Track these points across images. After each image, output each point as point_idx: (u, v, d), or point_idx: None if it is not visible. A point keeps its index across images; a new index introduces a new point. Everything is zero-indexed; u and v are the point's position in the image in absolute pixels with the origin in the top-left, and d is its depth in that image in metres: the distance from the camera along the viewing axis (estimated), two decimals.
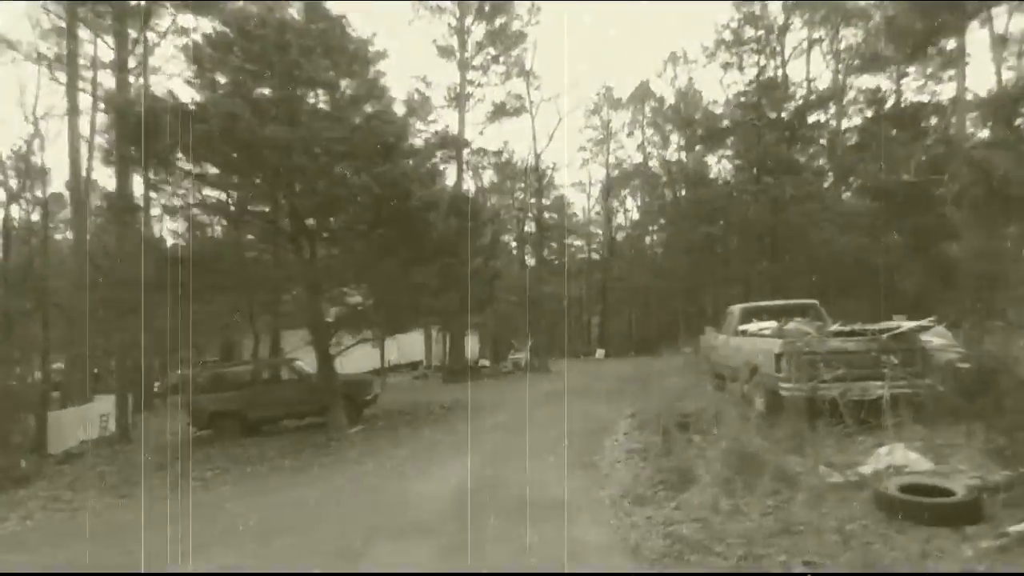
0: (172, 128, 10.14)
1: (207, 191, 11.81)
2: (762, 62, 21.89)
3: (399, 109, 13.42)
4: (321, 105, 12.12)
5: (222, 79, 11.21)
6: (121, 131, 10.22)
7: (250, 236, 12.73)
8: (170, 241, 13.05)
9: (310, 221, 12.31)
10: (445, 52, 28.87)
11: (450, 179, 28.19)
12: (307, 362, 15.34)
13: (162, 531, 6.94)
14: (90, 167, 18.31)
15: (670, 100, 41.35)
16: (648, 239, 49.19)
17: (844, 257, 17.43)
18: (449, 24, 29.33)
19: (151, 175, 11.48)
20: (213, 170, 11.28)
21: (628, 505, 6.69)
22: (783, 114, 20.78)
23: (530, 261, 37.31)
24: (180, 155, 10.83)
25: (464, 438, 11.38)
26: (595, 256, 49.92)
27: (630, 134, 46.78)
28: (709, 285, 20.49)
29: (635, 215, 48.72)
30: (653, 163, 43.98)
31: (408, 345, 33.08)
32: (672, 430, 8.65)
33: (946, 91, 23.19)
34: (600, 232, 49.76)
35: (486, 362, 30.83)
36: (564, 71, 71.19)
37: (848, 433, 8.40)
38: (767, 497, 6.26)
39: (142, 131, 9.34)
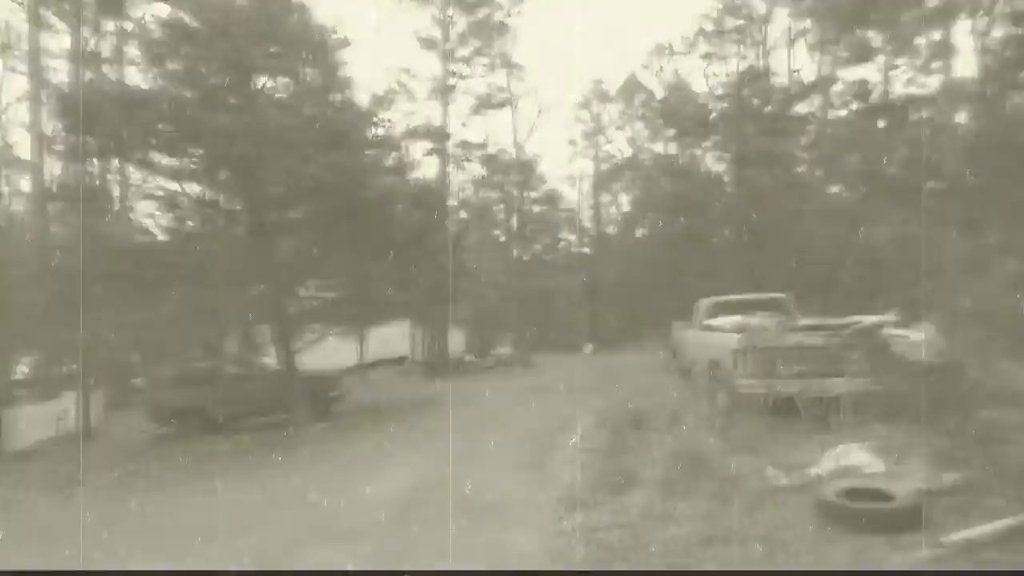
0: (117, 116, 9.81)
1: (162, 182, 11.45)
2: (744, 52, 21.62)
3: (365, 100, 13.05)
4: (280, 94, 11.81)
5: (173, 66, 10.85)
6: (64, 119, 9.88)
7: (206, 229, 12.37)
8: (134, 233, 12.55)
9: (269, 214, 12.00)
10: (428, 43, 28.48)
11: (431, 172, 28.01)
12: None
13: (90, 533, 6.67)
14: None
15: (660, 93, 41.17)
16: (638, 233, 48.86)
17: (827, 250, 17.13)
18: (432, 16, 29.01)
19: (102, 166, 11.15)
20: (165, 160, 10.94)
21: (564, 510, 6.40)
22: (768, 106, 20.42)
23: (523, 255, 37.05)
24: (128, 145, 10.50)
25: (424, 436, 11.11)
26: (586, 251, 49.62)
27: (620, 127, 46.48)
28: (690, 279, 20.16)
29: (627, 209, 48.30)
30: (644, 156, 43.64)
31: (393, 339, 32.76)
32: (624, 429, 8.37)
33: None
34: (590, 226, 49.43)
35: (471, 357, 30.50)
36: (551, 63, 70.44)
37: (807, 432, 8.14)
38: (706, 501, 5.99)
39: (79, 119, 8.99)
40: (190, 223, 11.73)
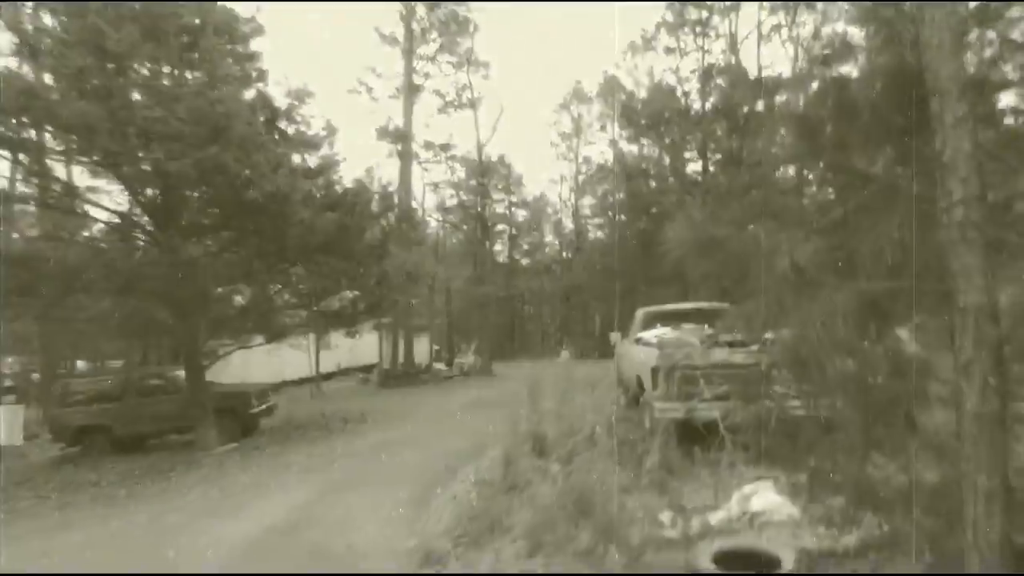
0: None
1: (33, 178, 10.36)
2: (707, 46, 20.59)
3: (281, 95, 11.93)
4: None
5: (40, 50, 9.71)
6: None
7: (97, 233, 11.30)
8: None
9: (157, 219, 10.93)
10: (389, 40, 27.48)
11: (391, 173, 26.99)
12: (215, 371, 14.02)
13: None
14: None
15: (640, 93, 40.30)
16: (615, 236, 47.93)
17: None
18: (400, 12, 27.96)
19: None
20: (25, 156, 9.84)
21: (417, 562, 5.37)
22: (742, 104, 19.46)
23: (495, 260, 36.00)
24: None
25: (326, 461, 10.07)
26: (567, 255, 48.64)
27: (602, 128, 45.61)
28: (644, 285, 19.15)
29: (601, 211, 47.45)
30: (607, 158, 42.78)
31: (364, 347, 31.69)
32: (517, 459, 7.33)
33: None
34: (571, 227, 48.49)
35: (441, 365, 29.40)
36: (517, 61, 69.61)
37: (730, 463, 7.13)
38: (574, 559, 4.96)
39: None
40: (80, 226, 10.73)
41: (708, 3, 19.59)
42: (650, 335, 9.96)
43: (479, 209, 27.62)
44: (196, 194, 10.16)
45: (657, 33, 21.73)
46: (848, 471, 4.05)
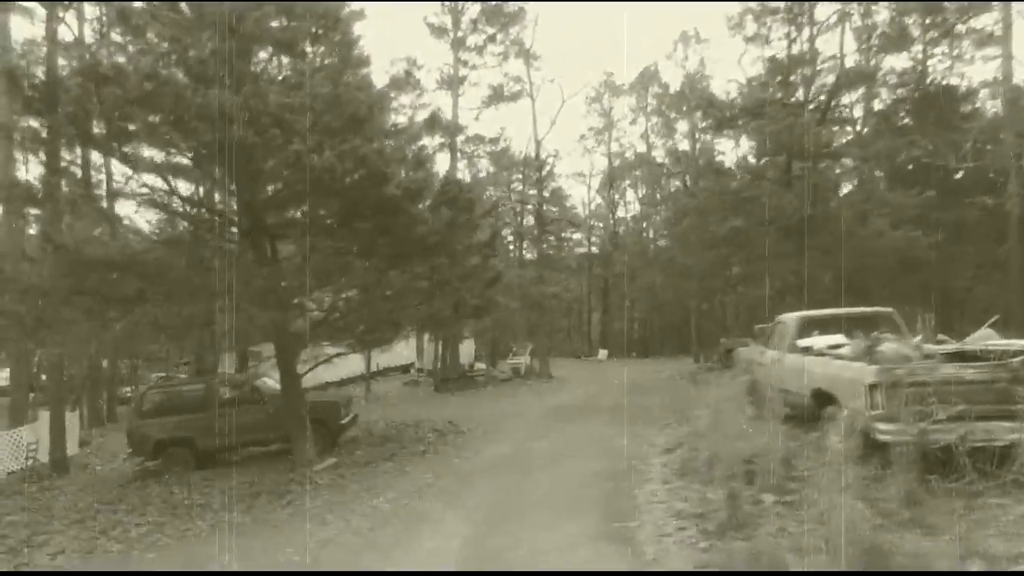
0: (84, 96, 7.87)
1: (142, 176, 9.49)
2: (793, 34, 19.63)
3: (381, 82, 11.10)
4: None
5: (154, 38, 8.90)
6: (13, 99, 7.95)
7: (193, 233, 10.38)
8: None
9: (268, 217, 10.07)
10: (438, 31, 26.55)
11: (441, 168, 26.08)
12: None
13: None
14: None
15: (675, 86, 39.34)
16: (650, 232, 47.05)
17: (893, 254, 15.28)
18: (443, 3, 27.05)
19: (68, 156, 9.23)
20: (146, 151, 9.00)
21: None
22: (821, 95, 18.56)
23: (529, 257, 35.06)
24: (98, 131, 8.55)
25: (458, 480, 9.18)
26: (595, 251, 47.77)
27: (633, 122, 44.69)
28: (729, 285, 18.31)
29: (635, 207, 46.57)
30: (657, 152, 41.87)
31: (399, 347, 30.90)
32: (738, 490, 6.44)
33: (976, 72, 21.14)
34: (601, 225, 47.63)
35: (482, 367, 28.54)
36: (568, 53, 68.69)
37: (974, 493, 6.27)
38: None
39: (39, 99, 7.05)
40: (174, 226, 9.84)
41: None
42: (817, 343, 9.10)
43: (535, 204, 26.65)
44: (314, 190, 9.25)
45: (742, 20, 20.82)
46: None
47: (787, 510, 6.32)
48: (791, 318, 10.01)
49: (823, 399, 8.09)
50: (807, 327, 9.64)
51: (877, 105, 21.01)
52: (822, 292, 16.06)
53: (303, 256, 9.76)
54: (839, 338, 9.03)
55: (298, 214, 9.65)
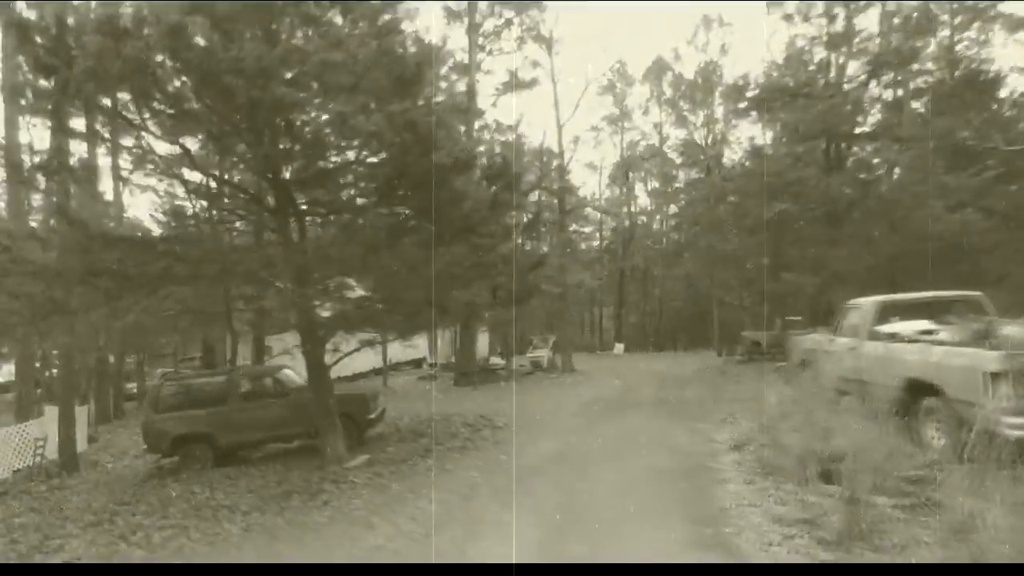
0: (103, 52, 7.05)
1: (161, 146, 8.67)
2: (833, 11, 18.74)
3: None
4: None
5: None
6: (23, 55, 7.14)
7: (217, 210, 9.57)
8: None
9: (307, 191, 9.25)
10: (454, 16, 25.69)
11: None
12: (297, 369, 12.41)
13: None
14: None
15: (688, 75, 38.46)
16: (663, 224, 46.24)
17: (949, 238, 14.52)
18: None
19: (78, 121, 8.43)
20: (165, 115, 8.18)
21: None
22: (863, 73, 17.74)
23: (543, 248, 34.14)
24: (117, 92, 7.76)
25: (508, 479, 8.39)
26: (608, 243, 46.99)
27: (646, 112, 43.86)
28: (770, 272, 17.52)
29: (645, 200, 45.77)
30: (672, 142, 41.06)
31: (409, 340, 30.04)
32: (860, 493, 5.65)
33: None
34: (612, 217, 46.80)
35: (499, 360, 27.62)
36: (587, 37, 67.79)
37: None
38: None
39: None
40: (216, 208, 9.00)
41: None
42: (901, 328, 8.32)
43: (558, 192, 25.81)
44: (355, 159, 8.43)
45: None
46: None
47: (910, 515, 5.56)
48: (868, 302, 9.21)
49: (919, 390, 7.32)
50: (886, 312, 8.85)
51: (919, 85, 20.17)
52: (868, 279, 15.26)
53: (336, 236, 8.96)
54: (925, 323, 8.24)
55: (331, 188, 8.84)
